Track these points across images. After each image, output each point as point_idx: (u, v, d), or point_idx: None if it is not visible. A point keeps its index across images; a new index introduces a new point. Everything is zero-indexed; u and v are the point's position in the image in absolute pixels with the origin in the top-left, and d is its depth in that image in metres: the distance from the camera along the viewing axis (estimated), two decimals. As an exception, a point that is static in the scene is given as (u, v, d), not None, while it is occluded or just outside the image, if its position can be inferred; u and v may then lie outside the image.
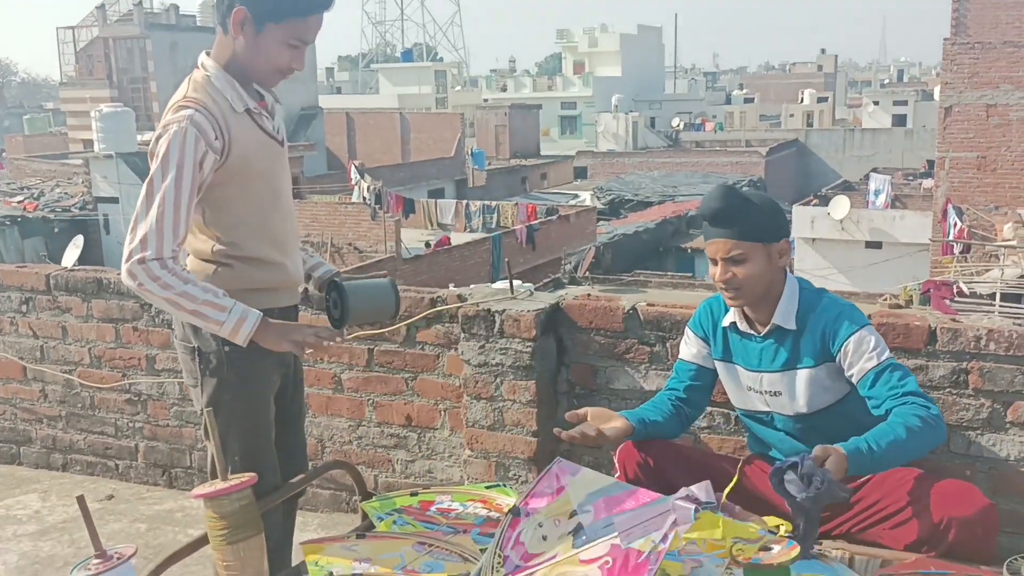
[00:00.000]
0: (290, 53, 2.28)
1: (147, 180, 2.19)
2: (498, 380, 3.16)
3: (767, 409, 2.54)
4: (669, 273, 22.47)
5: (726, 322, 2.58)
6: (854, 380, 2.38)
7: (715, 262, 2.46)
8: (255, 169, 2.32)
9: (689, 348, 2.68)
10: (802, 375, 2.44)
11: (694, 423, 2.86)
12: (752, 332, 2.53)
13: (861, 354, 2.36)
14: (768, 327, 2.48)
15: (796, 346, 2.45)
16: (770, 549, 1.83)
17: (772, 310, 2.47)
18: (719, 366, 2.62)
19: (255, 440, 2.43)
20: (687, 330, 2.70)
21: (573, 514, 2.05)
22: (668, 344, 3.04)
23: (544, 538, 2.03)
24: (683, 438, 3.04)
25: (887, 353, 2.37)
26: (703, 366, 2.65)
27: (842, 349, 2.38)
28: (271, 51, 2.26)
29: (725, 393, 2.66)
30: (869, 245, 21.66)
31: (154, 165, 2.18)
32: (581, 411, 2.51)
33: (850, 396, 2.42)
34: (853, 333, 2.37)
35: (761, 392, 2.53)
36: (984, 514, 2.22)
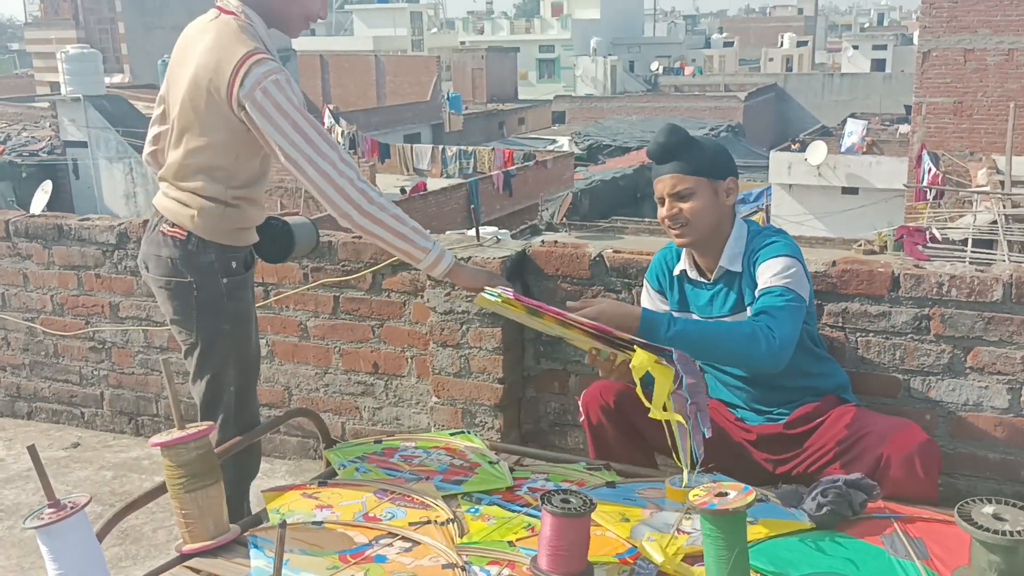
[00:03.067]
0: None
1: (288, 131, 2.19)
2: (464, 327, 3.15)
3: None
4: (646, 219, 22.47)
5: (677, 270, 2.58)
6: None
7: (662, 201, 2.47)
8: None
9: (651, 302, 2.67)
10: (748, 315, 2.44)
11: None
12: (702, 280, 2.53)
13: (763, 275, 2.38)
14: (716, 272, 2.49)
15: (741, 288, 2.46)
16: (726, 495, 1.84)
17: (719, 254, 2.47)
18: (677, 316, 2.60)
19: (249, 371, 2.52)
20: (645, 282, 2.70)
21: None
22: (634, 291, 3.02)
23: None
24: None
25: (787, 282, 2.34)
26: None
27: (756, 274, 2.40)
28: None
29: None
30: (845, 191, 21.72)
31: (287, 116, 2.19)
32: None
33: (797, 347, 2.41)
34: (768, 259, 2.39)
35: None
36: (923, 449, 2.25)
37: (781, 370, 2.32)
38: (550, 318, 2.29)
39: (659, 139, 2.44)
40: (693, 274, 2.55)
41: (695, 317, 2.55)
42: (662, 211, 2.48)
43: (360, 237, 3.44)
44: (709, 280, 2.52)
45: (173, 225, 2.36)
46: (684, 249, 2.56)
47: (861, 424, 2.37)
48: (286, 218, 2.64)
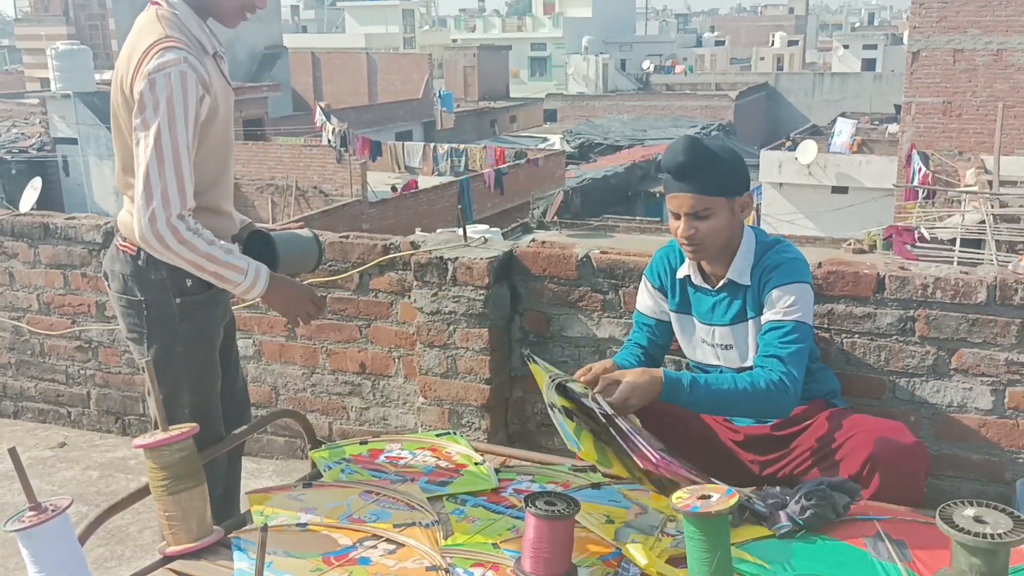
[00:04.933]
0: None
1: (150, 131, 2.05)
2: (451, 328, 3.15)
3: (718, 363, 2.53)
4: (637, 218, 22.51)
5: (681, 274, 2.55)
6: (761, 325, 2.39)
7: (677, 216, 2.40)
8: (219, 117, 2.23)
9: (645, 300, 2.65)
10: (750, 327, 2.44)
11: None
12: (707, 286, 2.51)
13: (773, 304, 2.36)
14: (723, 281, 2.46)
15: (746, 300, 2.44)
16: (709, 497, 1.84)
17: (728, 264, 2.45)
18: (674, 317, 2.60)
19: (205, 392, 2.40)
20: (644, 279, 2.66)
21: None
22: (621, 292, 3.03)
23: None
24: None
25: (798, 316, 2.33)
26: (660, 320, 2.62)
27: (767, 299, 2.38)
28: None
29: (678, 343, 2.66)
30: (835, 190, 21.79)
31: (154, 114, 2.05)
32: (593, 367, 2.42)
33: None
34: (780, 286, 2.36)
35: (713, 345, 2.53)
36: (910, 452, 2.26)
37: None
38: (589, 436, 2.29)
39: (678, 157, 2.34)
40: (697, 279, 2.52)
41: (696, 321, 2.55)
42: (676, 225, 2.41)
43: (347, 237, 3.44)
44: (714, 288, 2.49)
45: (125, 239, 2.28)
46: None
47: (848, 426, 2.37)
48: (281, 230, 2.51)
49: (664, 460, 2.08)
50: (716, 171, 2.35)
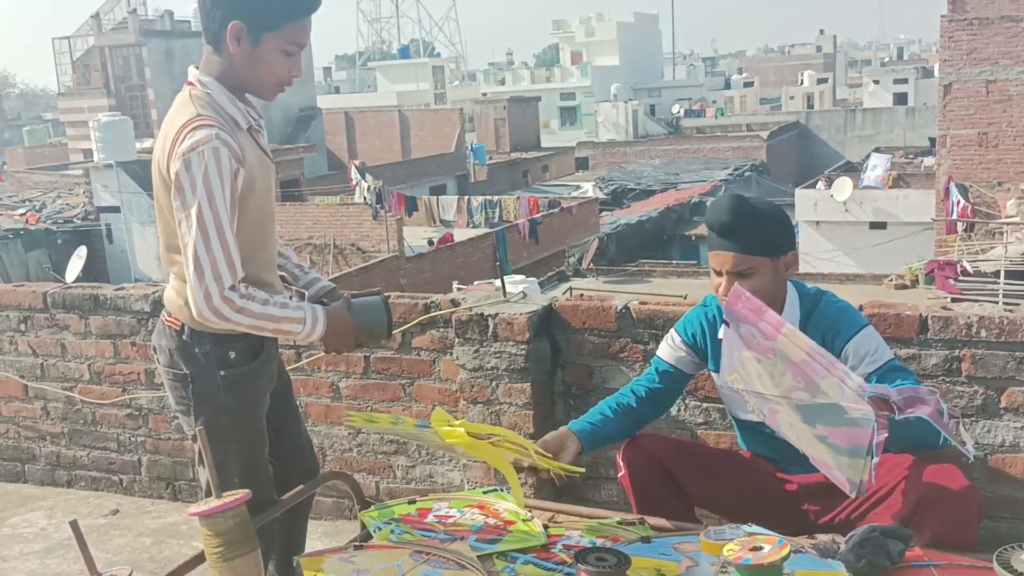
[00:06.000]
0: (288, 62, 2.24)
1: (191, 211, 2.10)
2: (494, 384, 3.17)
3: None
4: (674, 261, 22.48)
5: (723, 334, 2.47)
6: None
7: (719, 273, 2.38)
8: (257, 189, 2.27)
9: (671, 350, 2.61)
10: None
11: (676, 416, 2.88)
12: None
13: (861, 358, 2.32)
14: None
15: None
16: (760, 549, 1.83)
17: None
18: (716, 377, 2.55)
19: (253, 460, 2.43)
20: (673, 332, 2.63)
21: None
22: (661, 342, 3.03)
23: None
24: (680, 434, 3.05)
25: (887, 354, 2.33)
26: (680, 370, 2.60)
27: (842, 354, 2.33)
28: (271, 62, 2.21)
29: (715, 389, 2.65)
30: (873, 226, 21.64)
31: (193, 193, 2.10)
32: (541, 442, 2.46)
33: None
34: (852, 337, 2.34)
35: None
36: (963, 496, 2.22)
37: None
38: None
39: (723, 217, 2.32)
40: None
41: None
42: (718, 282, 2.38)
43: (388, 297, 3.49)
44: None
45: (170, 314, 2.33)
46: None
47: (901, 470, 2.33)
48: (361, 298, 2.50)
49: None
50: (760, 230, 2.33)
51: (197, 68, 2.26)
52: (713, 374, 2.58)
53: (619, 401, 2.60)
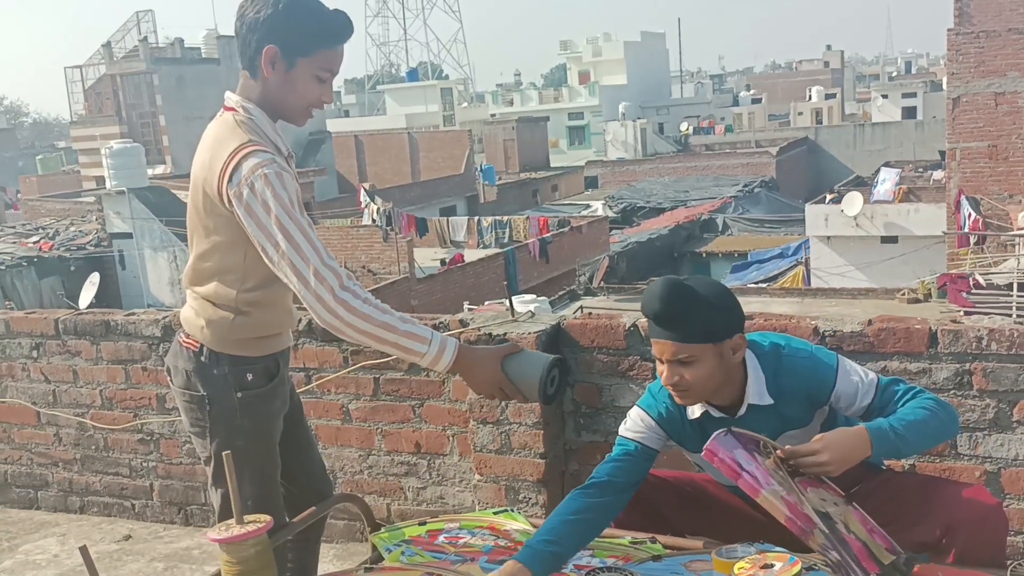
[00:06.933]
0: (320, 87, 2.27)
1: (273, 230, 2.11)
2: (503, 404, 3.17)
3: None
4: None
5: (694, 415, 2.33)
6: (859, 418, 2.26)
7: (661, 361, 2.23)
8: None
9: (636, 431, 2.36)
10: (797, 436, 2.29)
11: None
12: (726, 416, 2.30)
13: (852, 399, 2.24)
14: (744, 407, 2.28)
15: (780, 415, 2.28)
16: (772, 567, 1.82)
17: (740, 392, 2.27)
18: (697, 458, 2.35)
19: (266, 483, 2.44)
20: (638, 412, 2.37)
21: None
22: (670, 359, 3.02)
23: None
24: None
25: (870, 376, 2.25)
26: (648, 446, 2.36)
27: (831, 399, 2.26)
28: (304, 87, 2.24)
29: None
30: (885, 240, 21.55)
31: (267, 213, 2.11)
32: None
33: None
34: (834, 386, 2.24)
35: None
36: (992, 516, 2.20)
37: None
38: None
39: (655, 305, 2.18)
40: (716, 413, 2.31)
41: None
42: (662, 373, 2.23)
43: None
44: (734, 416, 2.28)
45: (188, 335, 2.33)
46: None
47: (923, 489, 2.31)
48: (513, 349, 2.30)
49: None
50: (698, 317, 2.17)
51: (234, 93, 2.29)
52: (696, 456, 2.36)
53: (576, 505, 2.29)
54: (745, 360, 2.27)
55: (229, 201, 2.15)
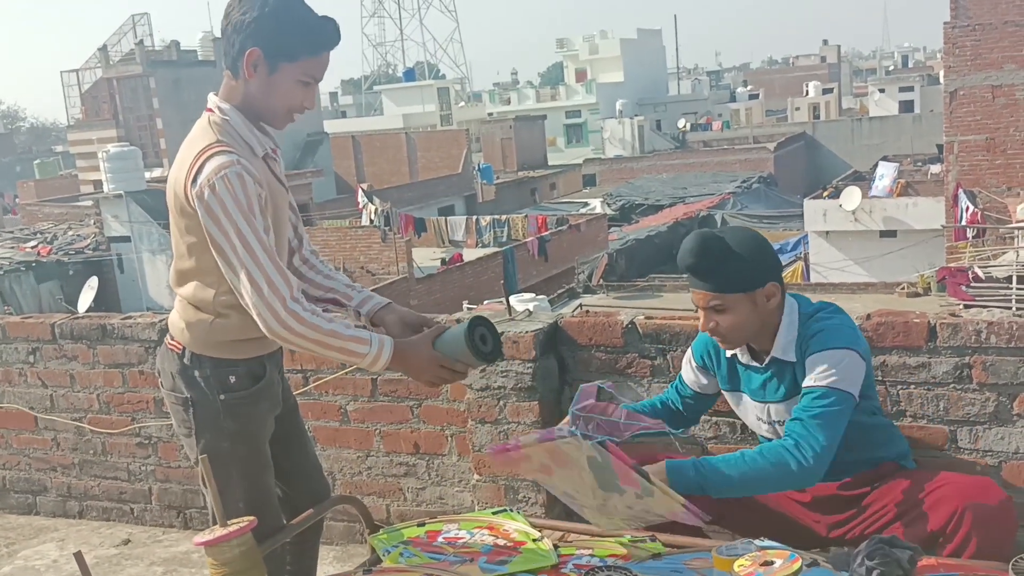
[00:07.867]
0: (303, 92, 2.25)
1: (230, 235, 2.10)
2: (501, 403, 3.15)
3: (775, 439, 2.48)
4: (683, 276, 22.38)
5: (729, 352, 2.51)
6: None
7: (697, 309, 2.40)
8: (269, 217, 2.26)
9: (688, 375, 2.64)
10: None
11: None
12: (755, 363, 2.46)
13: (811, 369, 2.30)
14: (768, 358, 2.42)
15: (795, 375, 2.38)
16: (772, 564, 1.81)
17: (772, 341, 2.40)
18: (728, 395, 2.58)
19: (257, 485, 2.42)
20: (688, 356, 2.64)
21: None
22: (669, 356, 3.02)
23: None
24: (689, 448, 3.01)
25: (830, 381, 2.26)
26: (701, 393, 2.63)
27: (807, 364, 2.32)
28: (286, 91, 2.22)
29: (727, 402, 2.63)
30: (883, 234, 21.56)
31: (226, 217, 2.10)
32: None
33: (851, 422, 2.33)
34: (816, 353, 2.31)
35: (769, 422, 2.48)
36: (1002, 509, 2.20)
37: (846, 452, 2.31)
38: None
39: (688, 259, 2.34)
40: (745, 358, 2.48)
41: (745, 397, 2.50)
42: (700, 321, 2.42)
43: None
44: (762, 364, 2.44)
45: (172, 338, 2.33)
46: None
47: (932, 484, 2.30)
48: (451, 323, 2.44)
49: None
50: (730, 268, 2.31)
51: (216, 95, 2.27)
52: (726, 393, 2.57)
53: (665, 400, 2.69)
54: (785, 314, 2.38)
55: (194, 201, 2.15)
